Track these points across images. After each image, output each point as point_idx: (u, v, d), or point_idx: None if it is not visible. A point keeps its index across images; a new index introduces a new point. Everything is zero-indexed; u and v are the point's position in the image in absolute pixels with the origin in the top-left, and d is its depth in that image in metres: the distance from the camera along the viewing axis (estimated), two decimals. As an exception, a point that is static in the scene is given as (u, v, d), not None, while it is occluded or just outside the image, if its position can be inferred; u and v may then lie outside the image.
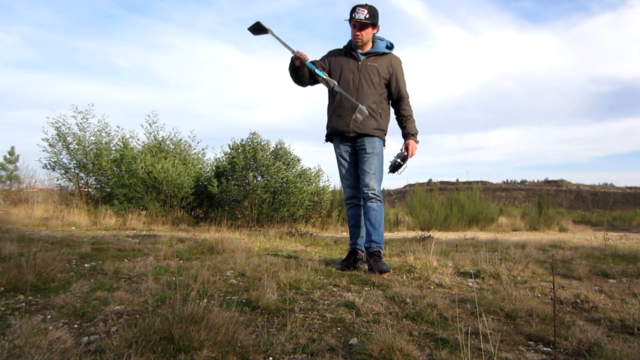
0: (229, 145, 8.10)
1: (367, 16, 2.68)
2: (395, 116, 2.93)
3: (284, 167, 7.69)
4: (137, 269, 2.46)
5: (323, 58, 2.90)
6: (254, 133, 7.97)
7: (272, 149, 7.99)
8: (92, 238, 4.00)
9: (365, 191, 2.75)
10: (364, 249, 2.83)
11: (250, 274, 2.39)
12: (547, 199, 12.74)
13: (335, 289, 2.20)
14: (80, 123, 7.64)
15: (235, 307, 1.63)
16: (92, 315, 1.60)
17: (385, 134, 2.86)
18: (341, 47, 2.89)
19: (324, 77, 2.69)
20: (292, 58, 2.72)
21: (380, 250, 2.74)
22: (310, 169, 8.23)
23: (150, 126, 8.03)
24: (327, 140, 2.98)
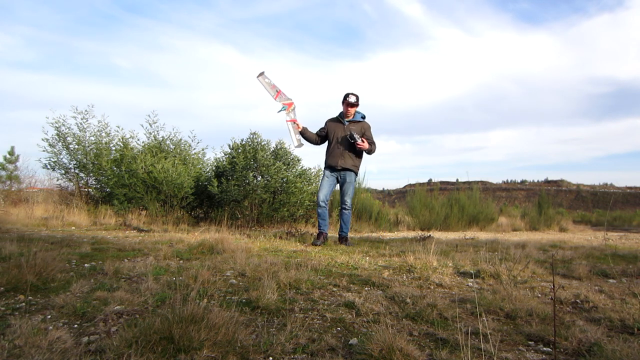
0: (229, 145, 8.09)
1: (356, 101, 4.46)
2: None
3: (284, 167, 7.67)
4: (137, 269, 2.46)
5: (324, 126, 4.64)
6: (254, 133, 7.95)
7: (272, 149, 7.97)
8: (92, 238, 4.00)
9: (343, 205, 4.56)
10: (326, 232, 4.52)
11: (250, 274, 2.39)
12: (547, 199, 12.74)
13: (335, 289, 2.20)
14: (80, 123, 7.65)
15: (235, 307, 1.63)
16: (92, 315, 1.60)
17: (358, 169, 4.60)
18: (335, 115, 4.63)
19: (284, 110, 4.52)
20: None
21: (347, 236, 4.56)
22: (310, 169, 8.21)
23: (151, 126, 8.02)
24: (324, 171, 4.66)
